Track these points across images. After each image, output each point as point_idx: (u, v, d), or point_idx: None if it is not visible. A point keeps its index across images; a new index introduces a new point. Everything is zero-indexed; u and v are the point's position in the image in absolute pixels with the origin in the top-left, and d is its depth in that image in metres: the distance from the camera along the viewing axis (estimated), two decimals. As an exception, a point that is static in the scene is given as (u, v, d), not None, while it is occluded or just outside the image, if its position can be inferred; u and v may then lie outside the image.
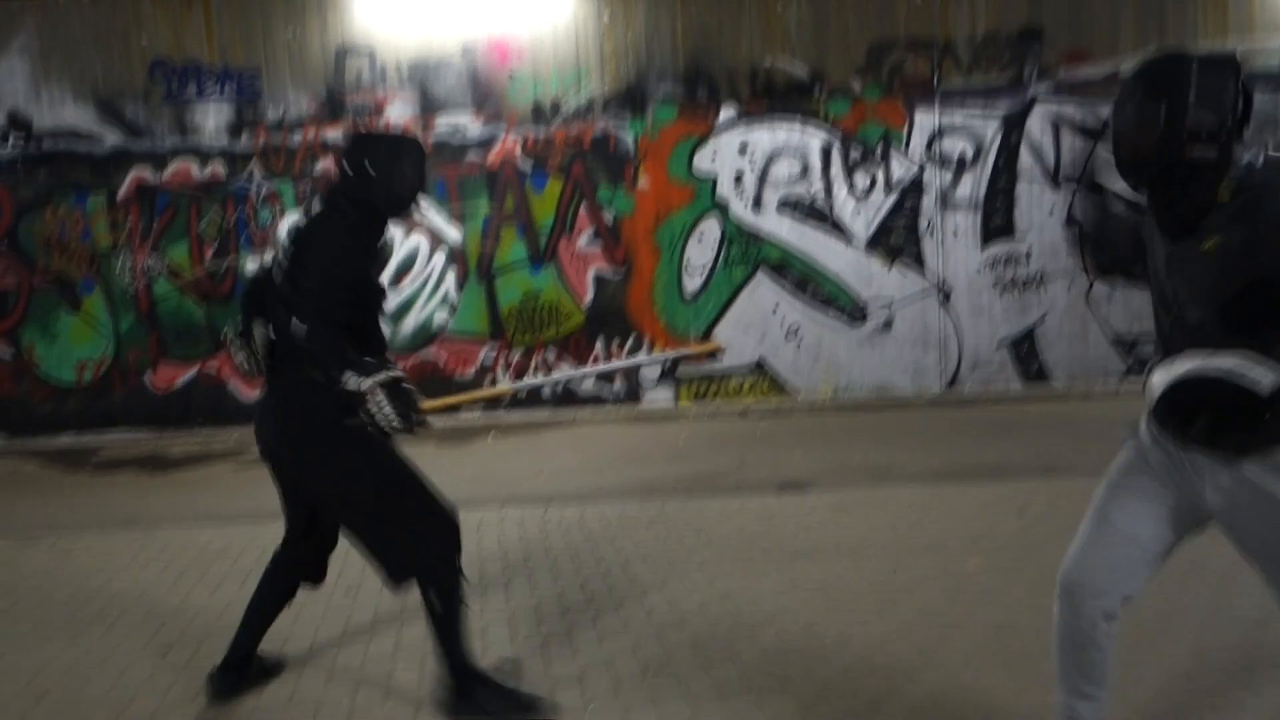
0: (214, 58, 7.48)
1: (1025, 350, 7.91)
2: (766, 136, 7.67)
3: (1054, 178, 7.77)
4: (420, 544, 2.89)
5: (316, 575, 3.20)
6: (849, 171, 7.71)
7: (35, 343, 7.59)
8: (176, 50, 7.45)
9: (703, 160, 7.68)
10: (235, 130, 7.53)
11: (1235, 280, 1.99)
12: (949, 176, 7.75)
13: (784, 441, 6.65)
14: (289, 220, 7.40)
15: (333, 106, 7.54)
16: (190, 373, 7.67)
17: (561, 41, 7.56)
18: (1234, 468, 2.10)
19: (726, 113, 7.64)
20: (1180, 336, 2.13)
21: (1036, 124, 7.73)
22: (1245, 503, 2.12)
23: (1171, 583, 3.18)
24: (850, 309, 7.82)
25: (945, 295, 7.81)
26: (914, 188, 7.74)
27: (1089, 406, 7.42)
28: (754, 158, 7.68)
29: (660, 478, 5.76)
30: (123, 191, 7.52)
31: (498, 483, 5.79)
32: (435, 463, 6.25)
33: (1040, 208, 7.79)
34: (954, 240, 7.76)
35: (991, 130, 7.71)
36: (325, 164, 7.50)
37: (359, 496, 2.89)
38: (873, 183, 7.72)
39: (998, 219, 7.79)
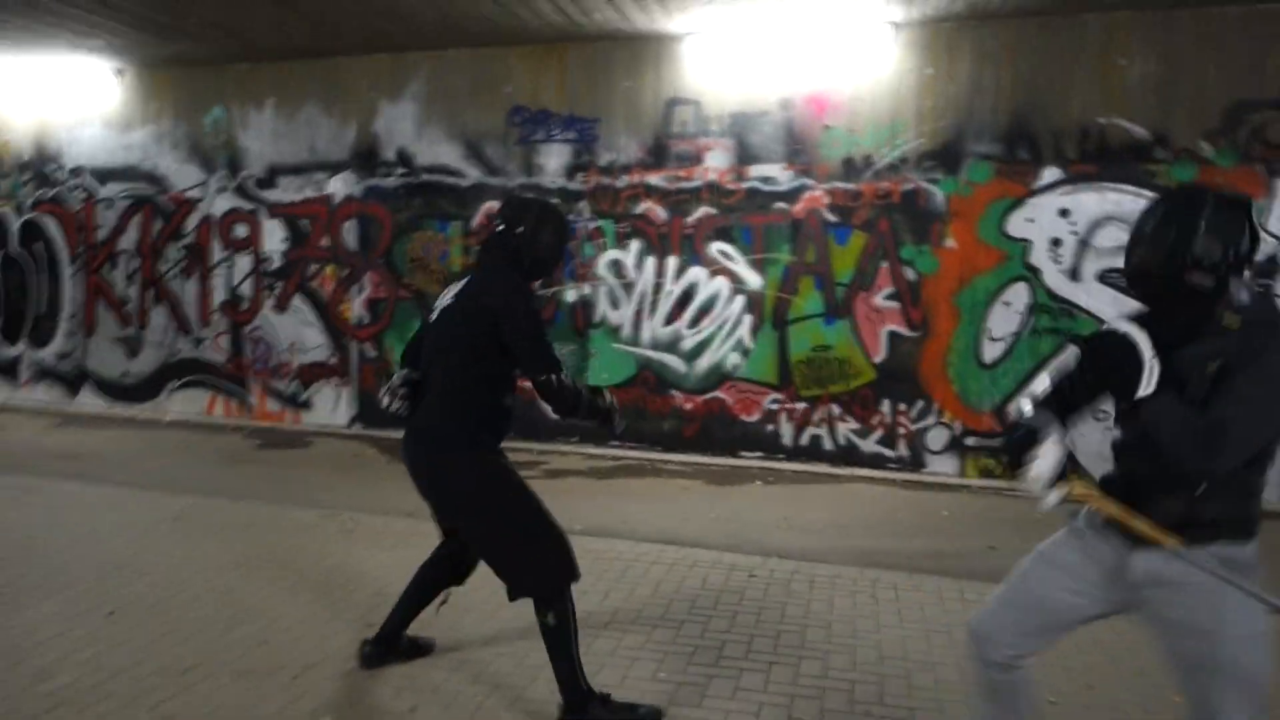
0: (563, 105, 8.67)
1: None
2: (1093, 201, 7.41)
3: None
4: (540, 568, 3.46)
5: (458, 577, 3.92)
6: (1188, 245, 7.21)
7: (394, 346, 9.25)
8: (533, 99, 8.75)
9: (1017, 223, 7.58)
10: (571, 172, 8.67)
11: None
12: (1315, 257, 6.99)
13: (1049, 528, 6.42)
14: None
15: (657, 153, 8.43)
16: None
17: (881, 95, 7.86)
18: (1167, 557, 2.43)
19: (1049, 174, 7.49)
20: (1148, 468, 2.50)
21: None
22: (1170, 592, 2.46)
23: None
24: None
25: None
26: (1270, 267, 7.07)
27: None
28: (1076, 223, 7.45)
29: (896, 549, 5.90)
30: (476, 220, 8.95)
31: (735, 527, 6.25)
32: (691, 500, 6.90)
33: None
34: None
35: (1375, 208, 6.86)
36: (647, 205, 8.42)
37: (491, 521, 3.48)
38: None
39: (1330, 302, 6.89)
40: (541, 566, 3.45)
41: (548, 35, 8.33)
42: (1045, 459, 2.53)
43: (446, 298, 3.61)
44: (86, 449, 8.69)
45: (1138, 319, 2.52)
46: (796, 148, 8.09)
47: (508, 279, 3.50)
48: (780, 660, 4.14)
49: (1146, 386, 2.37)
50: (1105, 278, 7.44)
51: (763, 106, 8.15)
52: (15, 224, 10.59)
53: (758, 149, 8.19)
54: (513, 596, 3.49)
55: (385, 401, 3.70)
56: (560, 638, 3.44)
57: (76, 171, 10.31)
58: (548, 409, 3.57)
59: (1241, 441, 2.29)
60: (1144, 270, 2.44)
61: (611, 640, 4.32)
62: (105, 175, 10.21)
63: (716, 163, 8.29)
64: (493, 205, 8.88)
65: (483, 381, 3.49)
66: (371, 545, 5.71)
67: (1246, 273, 2.39)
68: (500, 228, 3.59)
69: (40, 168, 10.48)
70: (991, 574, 5.40)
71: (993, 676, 2.69)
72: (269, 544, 5.70)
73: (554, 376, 3.39)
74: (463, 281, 3.63)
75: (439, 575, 3.91)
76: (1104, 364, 2.56)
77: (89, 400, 10.44)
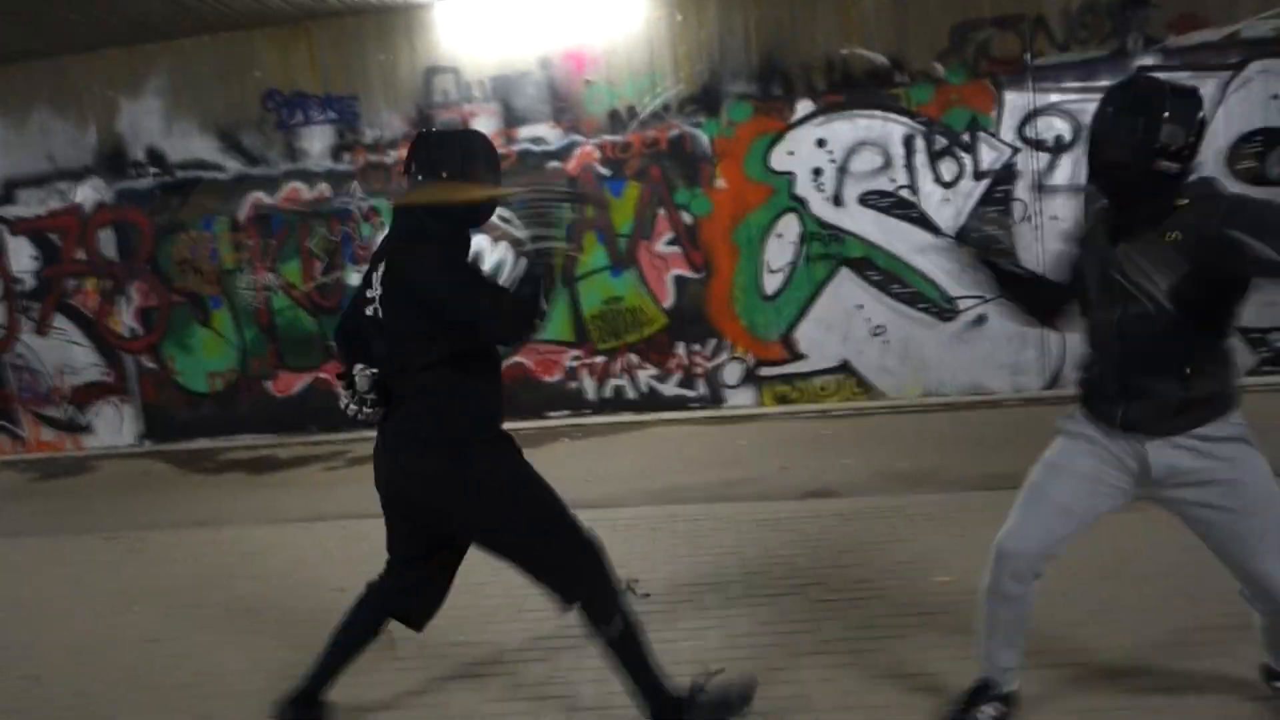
0: (318, 86, 8.44)
1: (1139, 344, 7.67)
2: (845, 129, 7.83)
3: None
4: (590, 569, 2.98)
5: (420, 619, 3.23)
6: (934, 160, 7.75)
7: (174, 355, 8.86)
8: (286, 82, 8.47)
9: (779, 157, 7.94)
10: (337, 152, 8.48)
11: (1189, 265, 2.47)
12: (1045, 160, 7.63)
13: (844, 446, 6.86)
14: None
15: (422, 125, 8.33)
16: (305, 380, 8.72)
17: (635, 47, 8.02)
18: (1177, 442, 2.59)
19: (802, 107, 7.86)
20: (1135, 325, 2.59)
21: (1144, 98, 7.46)
22: (1193, 471, 2.59)
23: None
24: (939, 305, 7.87)
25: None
26: (1006, 174, 7.68)
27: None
28: (833, 152, 7.86)
29: (694, 484, 6.16)
30: (243, 214, 8.64)
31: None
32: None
33: (1151, 189, 7.53)
34: (1054, 228, 7.64)
35: (1092, 107, 7.51)
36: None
37: (516, 525, 2.96)
38: (961, 171, 7.72)
39: (1100, 200, 7.58)
40: (591, 568, 2.99)
41: (292, 15, 8.07)
42: None
43: (376, 285, 2.95)
44: None
45: (1099, 212, 2.74)
46: (561, 105, 8.18)
47: (434, 249, 2.87)
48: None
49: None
50: (866, 200, 7.89)
51: (522, 68, 8.18)
52: None
53: (523, 110, 8.23)
54: (568, 604, 2.98)
55: (353, 410, 3.06)
56: (633, 645, 2.99)
57: None
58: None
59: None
60: (1115, 162, 2.54)
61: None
62: None
63: (484, 128, 8.22)
64: (260, 197, 8.60)
65: (455, 369, 2.91)
66: (163, 561, 5.52)
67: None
68: (419, 178, 2.96)
69: None
70: (783, 492, 5.78)
71: (1012, 589, 2.78)
72: (49, 578, 5.42)
73: (529, 333, 3.00)
74: (383, 262, 2.96)
75: (378, 617, 3.23)
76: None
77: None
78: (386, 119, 8.41)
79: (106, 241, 8.86)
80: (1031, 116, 7.61)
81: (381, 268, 2.95)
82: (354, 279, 8.55)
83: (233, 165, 8.62)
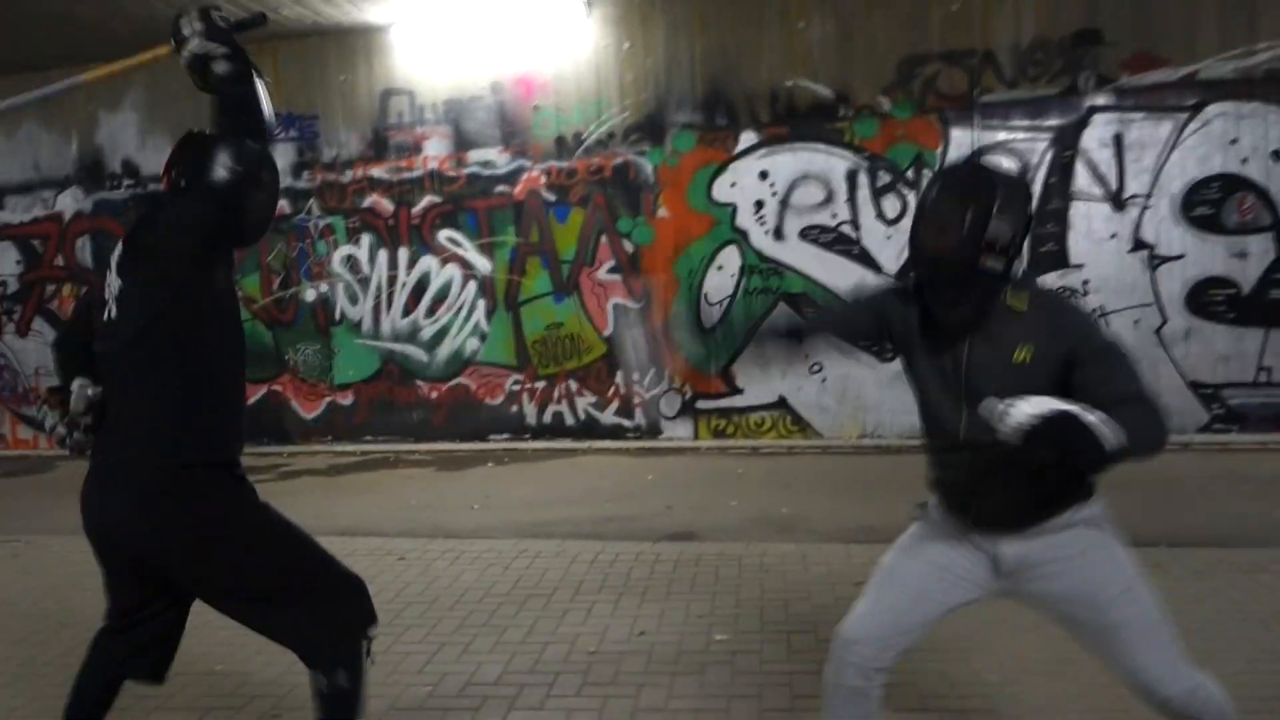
0: (281, 104, 8.69)
1: (1086, 395, 7.40)
2: (788, 162, 7.76)
3: (1116, 198, 7.24)
4: (332, 619, 2.67)
5: (158, 672, 2.84)
6: (877, 196, 7.62)
7: (141, 361, 9.21)
8: (251, 99, 8.74)
9: (722, 188, 7.90)
10: (298, 170, 8.73)
11: (1050, 388, 2.22)
12: (991, 200, 7.42)
13: (748, 486, 6.78)
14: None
15: (378, 145, 8.55)
16: (259, 392, 8.97)
17: (583, 73, 8.09)
18: (1029, 537, 2.43)
19: (746, 138, 7.82)
20: (983, 431, 2.31)
21: (1095, 138, 7.24)
22: (1046, 562, 2.44)
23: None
24: (879, 345, 7.69)
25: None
26: (951, 213, 7.49)
27: (1159, 462, 6.86)
28: (775, 184, 7.79)
29: (568, 517, 6.16)
30: (209, 227, 8.94)
31: (423, 513, 6.46)
32: (404, 489, 7.05)
33: (1099, 232, 7.29)
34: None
35: (1041, 146, 7.32)
36: (372, 199, 8.53)
37: (256, 578, 2.62)
38: (904, 208, 7.58)
39: (1049, 245, 7.37)
40: (334, 617, 2.67)
41: (258, 33, 8.34)
42: None
43: (111, 285, 2.60)
44: None
45: (915, 292, 2.51)
46: (510, 130, 8.29)
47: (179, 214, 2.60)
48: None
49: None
50: (807, 234, 7.79)
51: (474, 92, 8.32)
52: None
53: (474, 134, 8.36)
54: (313, 664, 2.65)
55: (60, 434, 2.70)
56: (352, 700, 2.69)
57: None
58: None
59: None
60: (938, 256, 2.35)
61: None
62: None
63: (436, 151, 8.44)
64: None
65: (187, 374, 2.54)
66: (35, 569, 5.75)
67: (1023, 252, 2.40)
68: (181, 183, 2.65)
69: None
70: (644, 532, 5.74)
71: (854, 681, 2.56)
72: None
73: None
74: (116, 266, 2.63)
75: (114, 685, 2.82)
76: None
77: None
78: (344, 138, 8.63)
79: (83, 249, 9.29)
80: (977, 154, 7.44)
81: (116, 255, 2.64)
82: (310, 295, 8.80)
83: (200, 179, 8.93)
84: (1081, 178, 7.30)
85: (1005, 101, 7.37)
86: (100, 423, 2.64)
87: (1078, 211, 7.32)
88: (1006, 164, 2.63)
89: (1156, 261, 7.28)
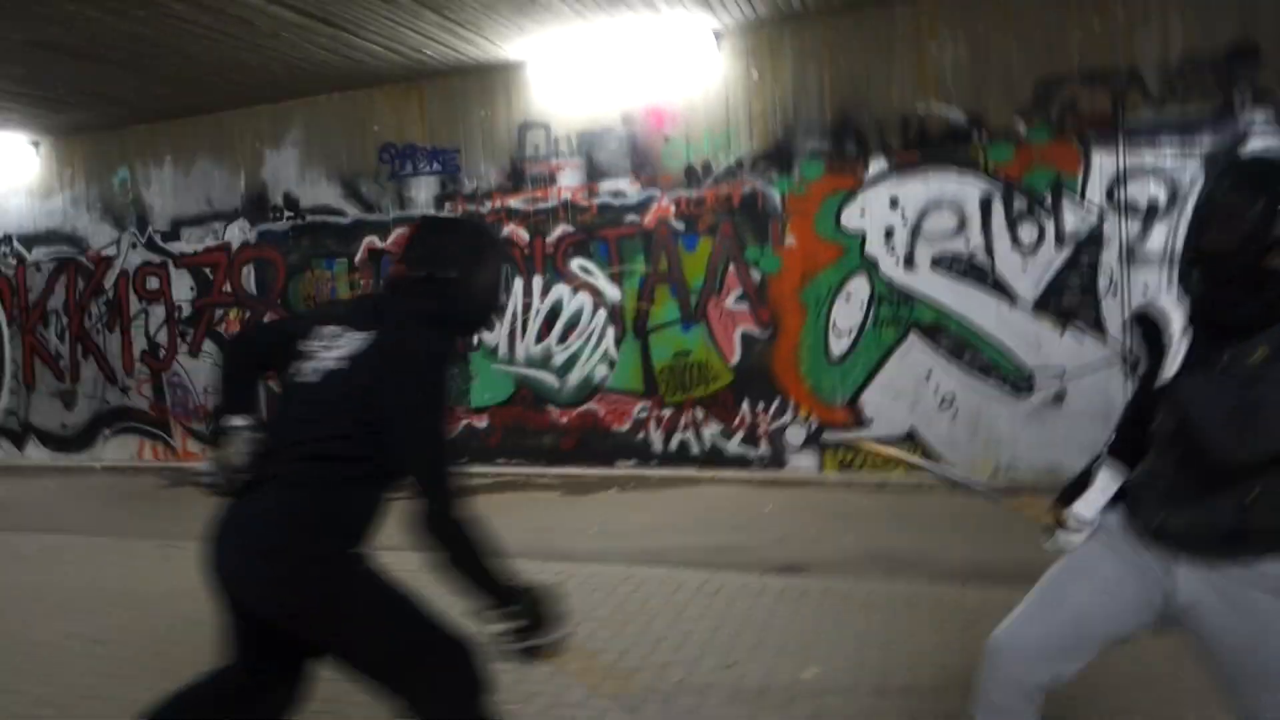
0: (426, 138, 9.15)
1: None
2: (919, 189, 7.60)
3: (1277, 225, 6.76)
4: (452, 683, 2.56)
5: None
6: (1012, 224, 7.37)
7: (296, 382, 9.78)
8: (399, 134, 9.24)
9: (851, 216, 7.80)
10: (440, 202, 9.13)
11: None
12: (1136, 226, 7.08)
13: (867, 521, 6.64)
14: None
15: (515, 177, 8.85)
16: (402, 413, 9.37)
17: (712, 104, 8.17)
18: (1214, 570, 2.21)
19: (875, 165, 7.70)
20: (1192, 460, 2.21)
21: (1253, 161, 6.78)
22: (1219, 612, 2.21)
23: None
24: (1014, 378, 7.44)
25: (1133, 365, 7.12)
26: (1092, 240, 7.19)
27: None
28: (905, 212, 7.64)
29: (683, 546, 6.19)
30: (359, 256, 9.47)
31: (543, 536, 6.61)
32: (531, 511, 7.25)
33: (1257, 262, 6.81)
34: (1143, 301, 7.06)
35: (1191, 170, 6.92)
36: (509, 228, 8.84)
37: (379, 640, 2.52)
38: (1041, 236, 7.30)
39: (1201, 275, 6.93)
40: (455, 681, 2.55)
41: (406, 73, 8.81)
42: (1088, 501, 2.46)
43: (328, 353, 2.57)
44: (13, 499, 9.40)
45: (1194, 307, 2.29)
46: (641, 161, 8.44)
47: (428, 338, 2.55)
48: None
49: (1169, 368, 2.21)
50: (938, 263, 7.61)
51: (606, 123, 8.52)
52: (-40, 293, 11.47)
53: (605, 165, 8.56)
54: None
55: (209, 480, 2.64)
56: None
57: (5, 239, 11.11)
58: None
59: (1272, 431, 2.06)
60: (1218, 252, 2.15)
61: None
62: (31, 240, 10.99)
63: (569, 181, 8.67)
64: (373, 240, 9.40)
65: (346, 468, 2.51)
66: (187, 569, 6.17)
67: None
68: (421, 275, 2.63)
69: (-25, 238, 11.35)
70: (755, 563, 5.72)
71: (1003, 701, 2.35)
72: (94, 573, 6.23)
73: (448, 508, 2.41)
74: (359, 335, 2.58)
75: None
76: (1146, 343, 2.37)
77: (35, 452, 11.21)
78: (484, 170, 8.98)
79: (247, 277, 9.97)
80: (1122, 179, 7.10)
81: (363, 338, 2.57)
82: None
83: (352, 210, 9.48)
84: (1237, 202, 6.86)
85: (1152, 123, 7.00)
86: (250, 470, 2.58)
87: (1233, 238, 6.89)
88: None
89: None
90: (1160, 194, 7.02)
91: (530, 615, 2.47)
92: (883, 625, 4.62)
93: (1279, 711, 2.18)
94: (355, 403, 2.49)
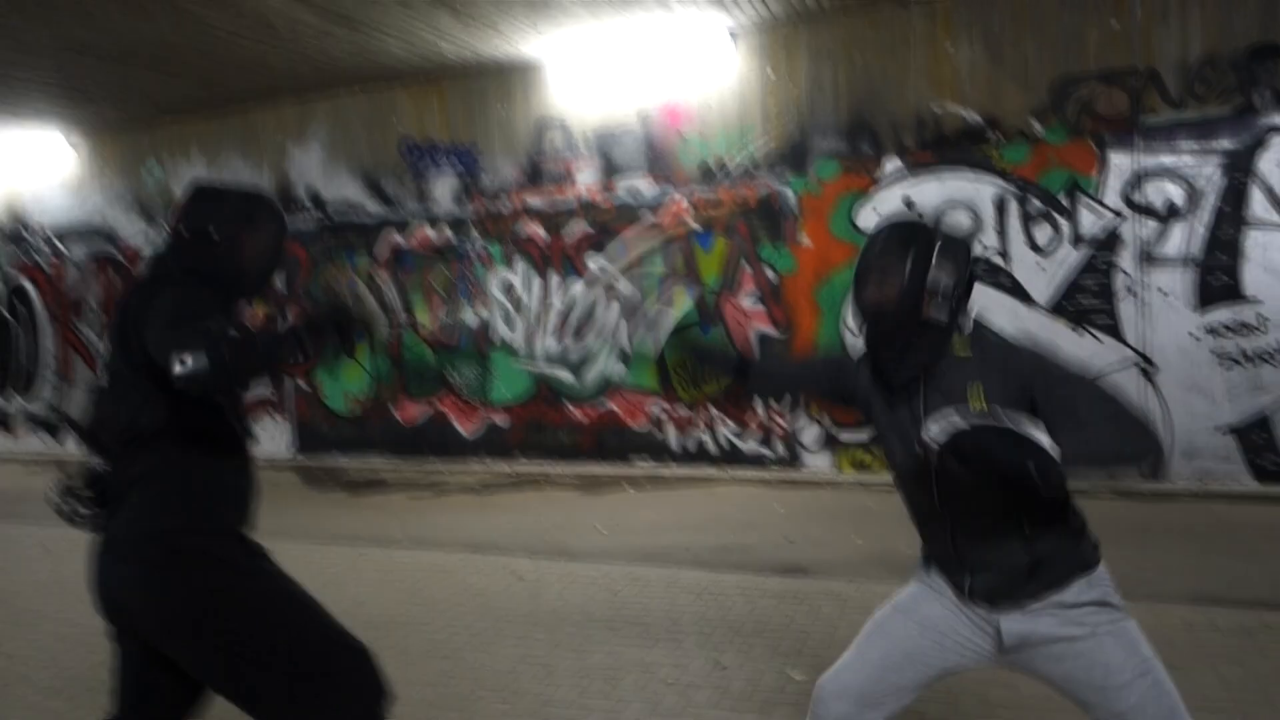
0: (446, 135, 9.25)
1: (1260, 439, 6.87)
2: (934, 189, 7.58)
3: (1298, 226, 6.68)
4: (335, 701, 2.45)
5: None
6: (1028, 224, 7.33)
7: (322, 381, 9.98)
8: (419, 131, 9.36)
9: (865, 216, 7.80)
10: (459, 198, 9.24)
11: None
12: (1154, 227, 7.01)
13: (878, 523, 6.66)
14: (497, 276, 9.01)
15: (532, 174, 8.93)
16: (425, 410, 9.54)
17: (728, 102, 8.19)
18: (1027, 612, 2.34)
19: (890, 165, 7.69)
20: (954, 494, 2.34)
21: (1274, 160, 6.70)
22: (1044, 647, 2.36)
23: None
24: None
25: (1148, 368, 7.08)
26: (1108, 241, 7.13)
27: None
28: (920, 212, 7.62)
29: (687, 545, 6.27)
30: (381, 251, 9.61)
31: (545, 534, 6.73)
32: (541, 509, 7.35)
33: (1277, 263, 6.73)
34: (1161, 303, 7.01)
35: (1210, 170, 6.84)
36: (528, 227, 8.93)
37: (252, 658, 2.40)
38: (1057, 236, 7.25)
39: (1220, 277, 6.88)
40: (337, 698, 2.46)
41: (427, 71, 8.91)
42: None
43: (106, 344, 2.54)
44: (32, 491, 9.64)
45: (868, 351, 2.49)
46: (656, 158, 8.48)
47: (184, 283, 2.48)
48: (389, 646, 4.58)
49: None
50: (953, 264, 7.58)
51: (623, 121, 8.57)
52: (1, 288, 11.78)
53: (622, 162, 8.61)
54: None
55: (64, 510, 2.51)
56: None
57: (44, 234, 11.40)
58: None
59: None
60: (880, 308, 2.33)
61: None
62: (68, 235, 11.27)
63: (586, 179, 8.74)
64: (394, 238, 9.54)
65: (179, 447, 2.46)
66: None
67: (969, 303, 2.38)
68: (186, 236, 2.59)
69: (14, 233, 11.63)
70: (757, 564, 5.79)
71: None
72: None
73: (187, 358, 2.10)
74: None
75: None
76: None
77: (73, 445, 11.51)
78: (502, 167, 9.07)
79: (273, 272, 10.14)
80: (1139, 180, 7.04)
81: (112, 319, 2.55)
82: (471, 318, 9.29)
83: (374, 206, 9.62)
84: (1257, 204, 6.77)
85: (1171, 123, 6.93)
86: (101, 498, 2.51)
87: (1253, 241, 6.79)
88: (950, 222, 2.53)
89: (1343, 295, 6.69)
90: (1178, 196, 6.95)
91: (335, 326, 2.61)
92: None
93: (1139, 716, 2.29)
94: (128, 355, 2.45)
